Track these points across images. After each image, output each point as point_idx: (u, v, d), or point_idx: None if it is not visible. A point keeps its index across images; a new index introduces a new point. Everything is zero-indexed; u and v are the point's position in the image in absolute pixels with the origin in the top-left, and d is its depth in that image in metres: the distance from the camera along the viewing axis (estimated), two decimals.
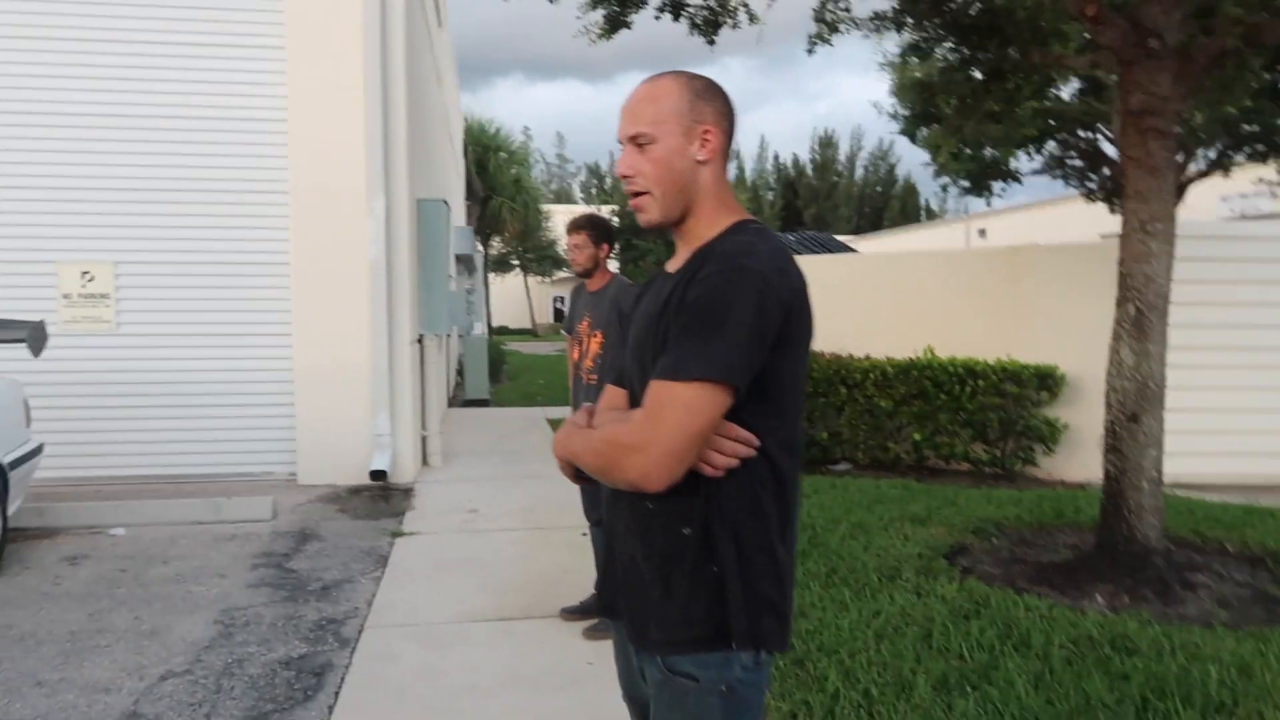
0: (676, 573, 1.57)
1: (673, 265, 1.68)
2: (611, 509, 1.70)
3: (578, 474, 1.68)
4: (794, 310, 1.51)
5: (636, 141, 1.62)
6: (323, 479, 7.52)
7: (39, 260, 7.35)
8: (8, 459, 5.34)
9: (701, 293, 1.49)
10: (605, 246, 4.42)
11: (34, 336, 5.70)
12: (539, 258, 41.10)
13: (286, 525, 6.25)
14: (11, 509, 5.44)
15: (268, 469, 7.65)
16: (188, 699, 3.59)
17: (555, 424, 10.87)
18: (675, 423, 1.44)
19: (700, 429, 1.45)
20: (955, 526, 6.02)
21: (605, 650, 4.09)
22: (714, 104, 1.64)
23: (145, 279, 7.49)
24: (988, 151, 11.05)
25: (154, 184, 7.46)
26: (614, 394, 1.76)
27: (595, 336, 4.34)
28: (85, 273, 7.42)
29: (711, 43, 5.90)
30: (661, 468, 1.45)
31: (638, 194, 1.64)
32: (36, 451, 5.80)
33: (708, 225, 1.64)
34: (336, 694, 3.66)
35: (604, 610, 1.77)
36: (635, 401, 1.63)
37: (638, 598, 1.63)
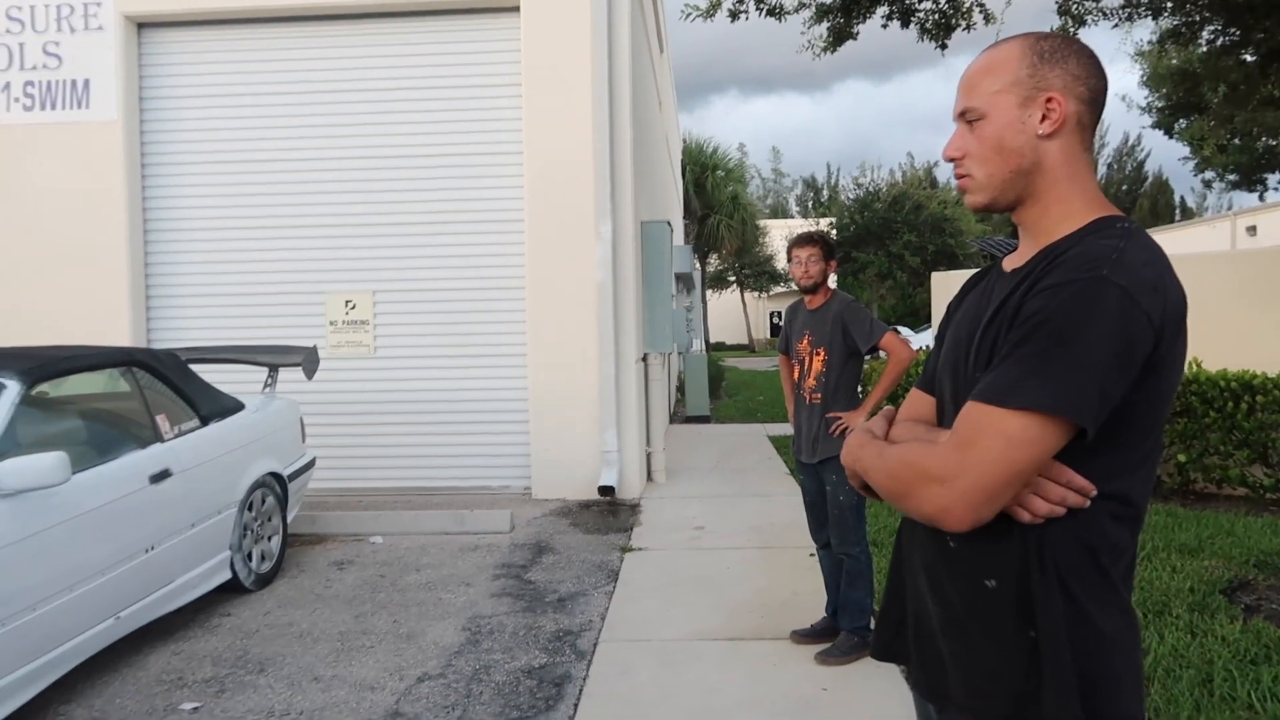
0: (978, 630, 1.35)
1: (1011, 263, 1.45)
2: (908, 535, 1.52)
3: (866, 486, 1.49)
4: (1167, 336, 1.26)
5: (965, 118, 1.42)
6: (555, 494, 7.84)
7: (311, 291, 8.18)
8: (287, 471, 5.95)
9: (1047, 304, 1.25)
10: (833, 262, 4.34)
11: (308, 361, 6.33)
12: (755, 274, 41.05)
13: (523, 538, 6.56)
14: (290, 516, 6.05)
15: (505, 483, 8.08)
16: (442, 701, 3.83)
17: (776, 440, 10.78)
18: (991, 456, 1.22)
19: (1022, 468, 1.23)
20: (1234, 559, 5.38)
21: (838, 676, 3.99)
22: (1064, 66, 1.36)
23: (399, 306, 8.15)
24: (1262, 141, 9.89)
25: (406, 218, 8.12)
26: (918, 400, 1.56)
27: (818, 354, 4.25)
28: (349, 301, 8.17)
29: (943, 48, 5.66)
30: (966, 505, 1.24)
31: (962, 176, 1.44)
32: (310, 465, 6.42)
33: (1058, 218, 1.38)
34: (575, 705, 3.78)
35: (882, 651, 1.58)
36: (942, 412, 1.47)
37: (928, 646, 1.45)
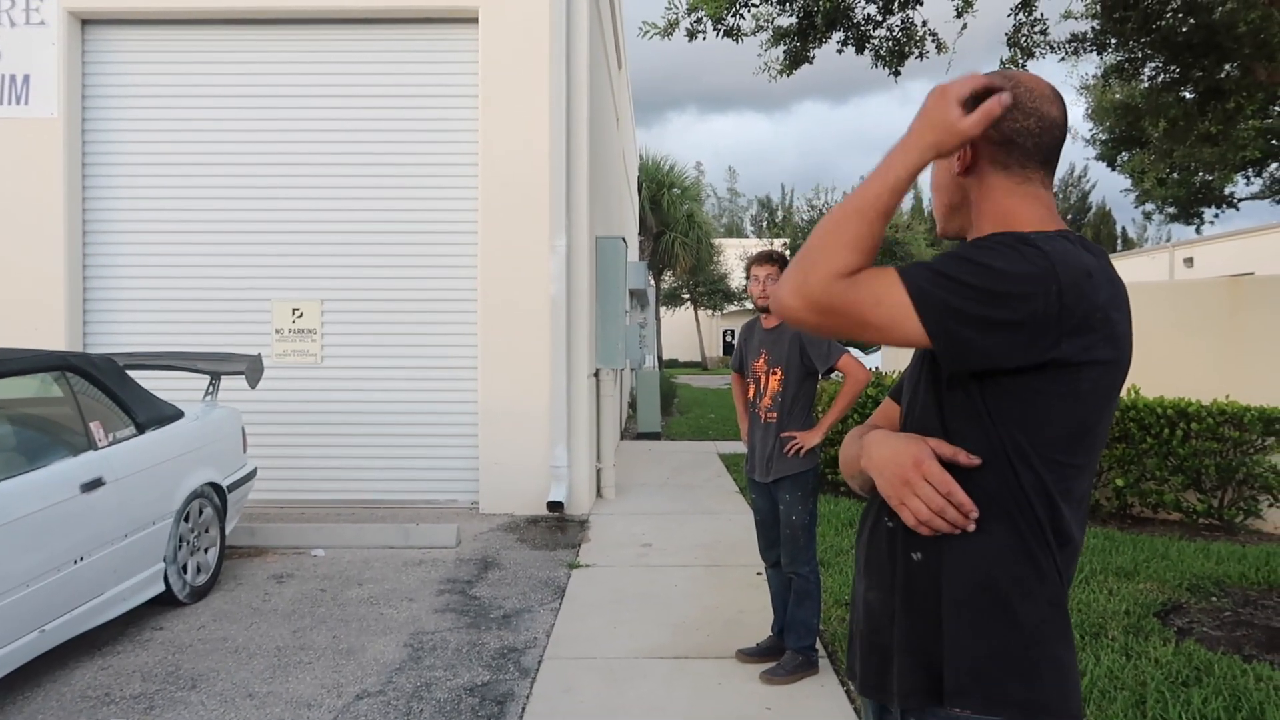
0: (902, 599, 1.42)
1: None
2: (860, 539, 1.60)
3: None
4: (1078, 320, 1.28)
5: None
6: (502, 508, 7.76)
7: (257, 298, 8.02)
8: (227, 482, 5.80)
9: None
10: None
11: (252, 369, 6.19)
12: (709, 292, 41.24)
13: (469, 553, 6.47)
14: (229, 528, 5.90)
15: (452, 497, 7.97)
16: (381, 719, 3.74)
17: (727, 458, 10.80)
18: (866, 290, 1.30)
19: (868, 318, 1.30)
20: (1168, 582, 5.51)
21: (782, 695, 3.98)
22: None
23: (348, 315, 8.02)
24: (1199, 176, 10.21)
25: (357, 227, 8.01)
26: (885, 406, 1.68)
27: (775, 374, 4.25)
28: (296, 309, 8.03)
29: (896, 74, 5.75)
30: (810, 289, 1.32)
31: None
32: (251, 475, 6.27)
33: None
34: None
35: (866, 688, 1.54)
36: (904, 419, 1.55)
37: (870, 647, 1.49)
